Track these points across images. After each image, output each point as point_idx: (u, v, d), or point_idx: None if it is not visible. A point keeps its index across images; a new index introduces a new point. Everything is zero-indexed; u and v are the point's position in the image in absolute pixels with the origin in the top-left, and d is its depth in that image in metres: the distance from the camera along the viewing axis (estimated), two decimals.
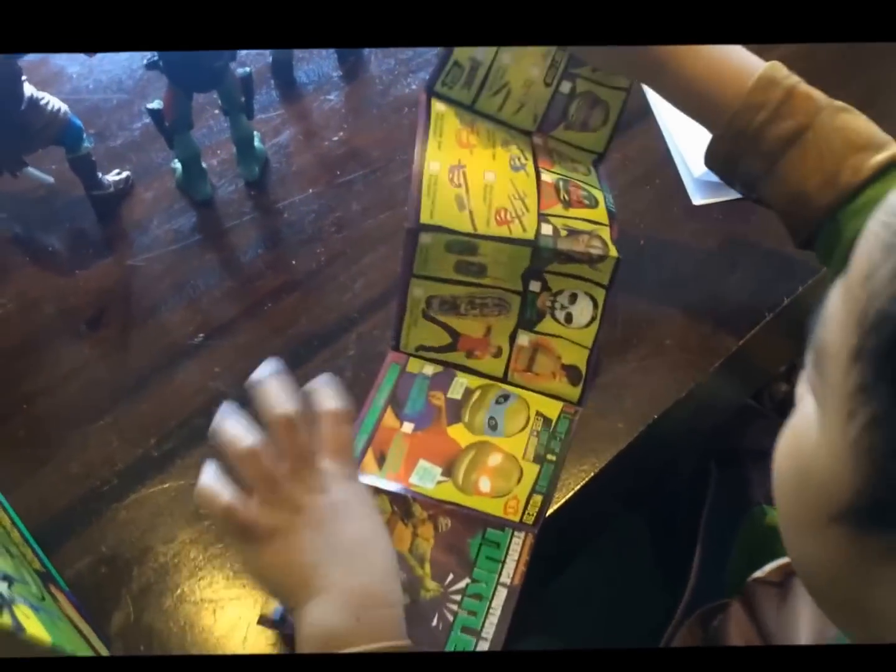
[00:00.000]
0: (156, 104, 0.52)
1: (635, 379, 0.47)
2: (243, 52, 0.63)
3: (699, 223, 0.54)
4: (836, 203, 0.41)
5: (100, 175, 0.55)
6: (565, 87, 0.50)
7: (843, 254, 0.41)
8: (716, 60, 0.43)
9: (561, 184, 0.49)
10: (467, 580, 0.41)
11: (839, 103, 0.42)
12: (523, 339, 0.48)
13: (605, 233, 0.48)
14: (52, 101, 0.50)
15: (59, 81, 0.63)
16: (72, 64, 0.65)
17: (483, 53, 0.48)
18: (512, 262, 0.47)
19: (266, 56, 0.64)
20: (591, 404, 0.47)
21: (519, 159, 0.49)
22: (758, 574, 0.46)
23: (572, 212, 0.48)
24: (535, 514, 0.43)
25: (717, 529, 0.53)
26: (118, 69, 0.65)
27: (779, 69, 0.43)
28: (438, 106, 0.48)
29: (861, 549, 0.24)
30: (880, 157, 0.41)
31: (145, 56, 0.67)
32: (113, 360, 0.50)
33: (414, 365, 0.48)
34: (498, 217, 0.46)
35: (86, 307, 0.52)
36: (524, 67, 0.49)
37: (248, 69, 0.53)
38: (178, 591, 0.42)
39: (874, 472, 0.23)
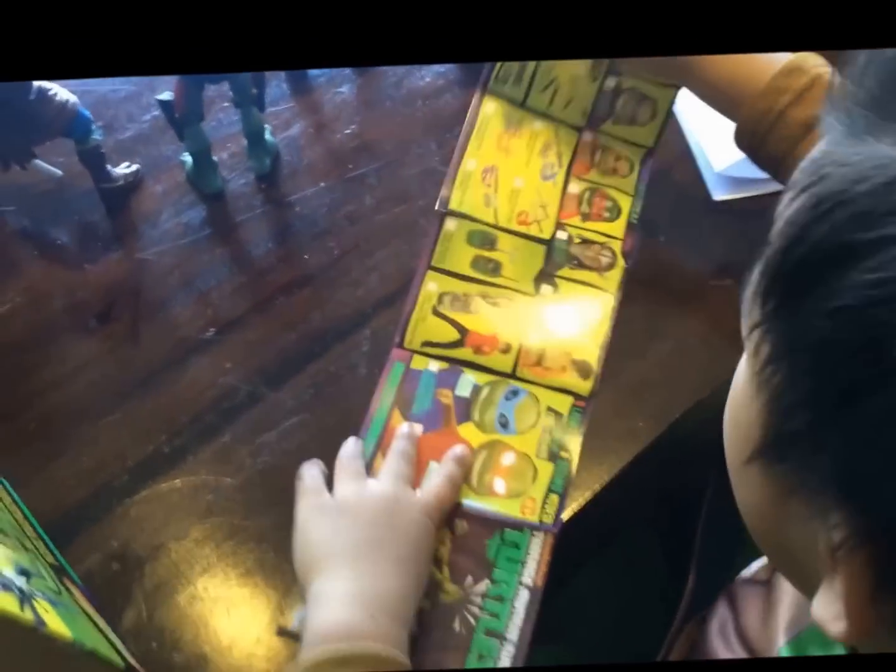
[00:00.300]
0: (166, 95, 0.51)
1: (656, 377, 0.46)
2: None
3: (719, 219, 0.54)
4: None
5: (109, 168, 0.54)
6: (611, 82, 0.52)
7: None
8: (742, 56, 0.45)
9: (587, 195, 0.51)
10: (487, 582, 0.40)
11: None
12: (534, 334, 0.48)
13: (617, 245, 0.50)
14: (61, 93, 0.50)
15: None
16: None
17: None
18: (526, 261, 0.49)
19: None
20: (610, 403, 0.46)
21: (553, 167, 0.51)
22: (745, 573, 0.45)
23: (589, 224, 0.51)
24: (552, 513, 0.43)
25: (716, 532, 0.52)
26: None
27: (809, 59, 0.43)
28: (488, 107, 0.51)
29: (773, 488, 0.24)
30: None
31: None
32: (123, 354, 0.50)
33: (418, 362, 0.47)
34: (519, 218, 0.50)
35: (95, 301, 0.52)
36: (570, 64, 0.52)
37: None
38: (191, 588, 0.41)
39: (774, 407, 0.23)
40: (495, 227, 0.49)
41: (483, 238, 0.49)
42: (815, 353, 0.21)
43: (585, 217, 0.51)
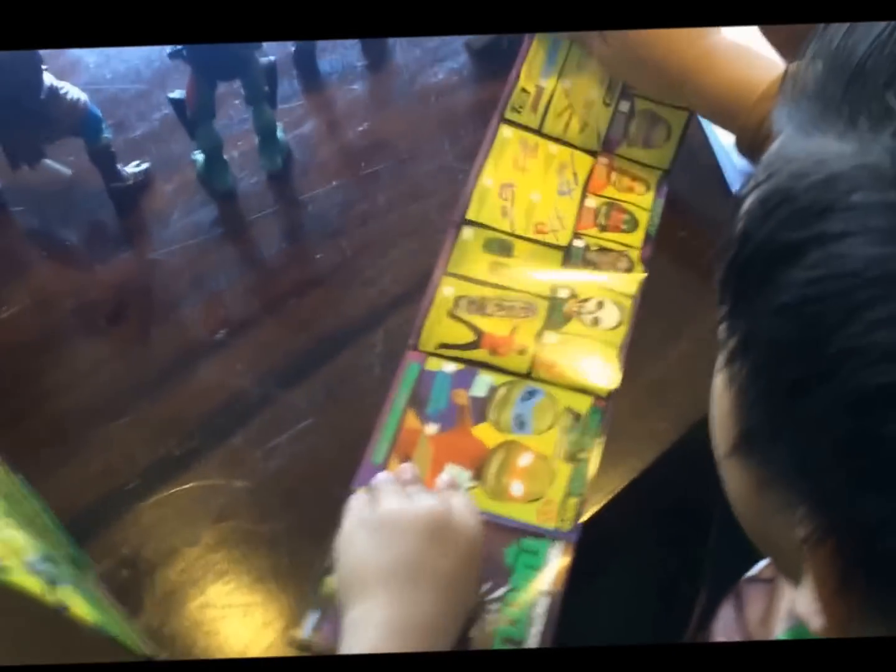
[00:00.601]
0: (178, 94, 0.50)
1: (676, 376, 0.45)
2: None
3: None
4: None
5: (119, 167, 0.54)
6: (624, 105, 0.53)
7: None
8: (739, 67, 0.45)
9: (604, 209, 0.52)
10: (506, 588, 0.39)
11: None
12: (550, 337, 0.47)
13: (635, 254, 0.50)
14: (72, 91, 0.49)
15: (76, 71, 0.62)
16: (89, 53, 0.64)
17: (546, 79, 0.53)
18: (543, 267, 0.49)
19: (288, 45, 0.63)
20: (629, 404, 0.45)
21: (569, 184, 0.52)
22: (751, 572, 0.44)
23: (607, 234, 0.51)
24: (571, 518, 0.42)
25: (730, 535, 0.51)
26: (136, 59, 0.64)
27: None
28: (505, 132, 0.52)
29: (750, 481, 0.24)
30: None
31: (165, 46, 0.66)
32: (133, 356, 0.49)
33: (433, 363, 0.46)
34: (536, 228, 0.51)
35: (105, 302, 0.51)
36: (584, 89, 0.53)
37: (272, 58, 0.52)
38: (203, 595, 0.40)
39: (741, 401, 0.23)
40: (512, 234, 0.50)
41: (500, 246, 0.50)
42: (767, 350, 0.21)
43: (603, 228, 0.51)
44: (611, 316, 0.48)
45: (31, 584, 0.29)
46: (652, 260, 0.50)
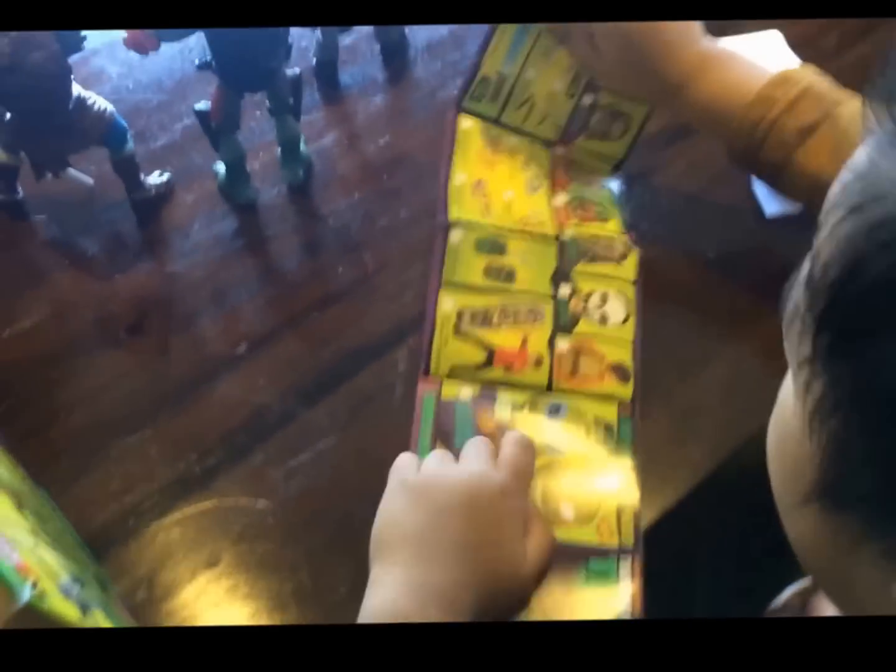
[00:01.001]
0: (202, 105, 0.50)
1: (713, 402, 0.44)
2: None
3: (772, 235, 0.52)
4: None
5: (142, 177, 0.53)
6: (587, 99, 0.52)
7: None
8: (732, 75, 0.45)
9: (574, 202, 0.51)
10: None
11: (856, 99, 0.42)
12: (563, 343, 0.46)
13: (623, 239, 0.49)
14: (99, 101, 0.49)
15: (98, 81, 0.62)
16: (112, 63, 0.64)
17: (509, 67, 0.50)
18: (540, 262, 0.47)
19: (309, 57, 0.62)
20: (664, 430, 0.44)
21: (537, 179, 0.51)
22: (775, 604, 0.43)
23: (588, 225, 0.50)
24: (631, 533, 0.40)
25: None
26: (158, 69, 0.63)
27: (798, 70, 0.43)
28: (464, 123, 0.51)
29: (836, 531, 0.22)
30: None
31: (187, 56, 0.66)
32: (152, 369, 0.48)
33: (449, 390, 0.45)
34: (522, 223, 0.49)
35: (125, 314, 0.50)
36: (548, 80, 0.51)
37: (297, 70, 0.51)
38: (224, 619, 0.40)
39: (833, 454, 0.21)
40: (502, 229, 0.49)
41: (492, 245, 0.48)
42: (883, 408, 0.19)
43: (581, 220, 0.50)
44: (617, 310, 0.47)
45: (68, 610, 0.28)
46: (682, 280, 0.49)
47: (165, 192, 0.55)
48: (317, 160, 0.57)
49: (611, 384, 0.45)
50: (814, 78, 0.43)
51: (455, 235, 0.47)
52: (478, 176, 0.50)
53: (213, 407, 0.46)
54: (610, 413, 0.44)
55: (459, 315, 0.46)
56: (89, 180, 0.55)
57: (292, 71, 0.51)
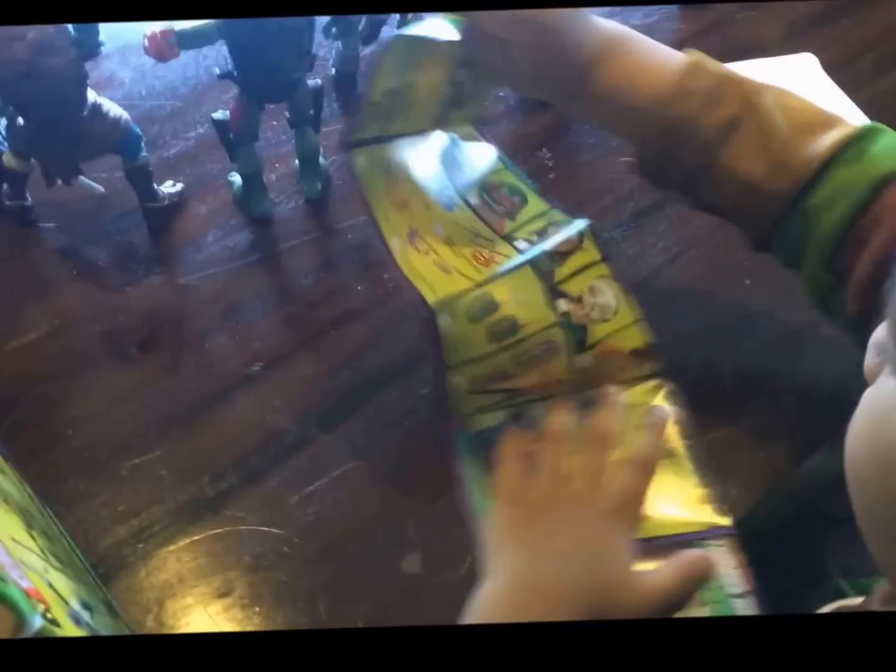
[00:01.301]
0: (220, 115, 0.48)
1: (749, 441, 0.43)
2: None
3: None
4: (795, 191, 0.38)
5: (154, 186, 0.52)
6: (461, 74, 0.46)
7: (821, 250, 0.38)
8: (636, 64, 0.41)
9: (490, 199, 0.47)
10: (702, 610, 0.36)
11: (776, 86, 0.39)
12: (584, 360, 0.44)
13: (557, 215, 0.46)
14: (114, 109, 0.47)
15: (110, 87, 0.60)
16: (124, 68, 0.62)
17: (397, 80, 0.45)
18: (529, 292, 0.44)
19: (328, 69, 0.61)
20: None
21: (444, 191, 0.46)
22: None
23: (518, 218, 0.46)
24: (720, 511, 0.39)
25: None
26: (172, 75, 0.62)
27: (704, 57, 0.40)
28: (361, 163, 0.45)
29: None
30: (835, 136, 0.37)
31: (201, 62, 0.65)
32: (163, 386, 0.47)
33: (478, 422, 0.42)
34: (478, 260, 0.45)
35: (135, 328, 0.49)
36: (430, 76, 0.46)
37: (318, 81, 0.50)
38: (237, 650, 0.38)
39: None
40: (478, 285, 0.43)
41: (482, 307, 0.43)
42: None
43: (510, 215, 0.46)
44: (607, 294, 0.44)
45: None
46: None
47: (178, 202, 0.53)
48: (335, 173, 0.56)
49: (634, 369, 0.43)
50: (720, 64, 0.40)
51: (443, 321, 0.42)
52: (405, 228, 0.44)
53: (226, 428, 0.45)
54: (646, 395, 0.43)
55: (472, 384, 0.43)
56: (99, 188, 0.53)
57: (314, 82, 0.50)
